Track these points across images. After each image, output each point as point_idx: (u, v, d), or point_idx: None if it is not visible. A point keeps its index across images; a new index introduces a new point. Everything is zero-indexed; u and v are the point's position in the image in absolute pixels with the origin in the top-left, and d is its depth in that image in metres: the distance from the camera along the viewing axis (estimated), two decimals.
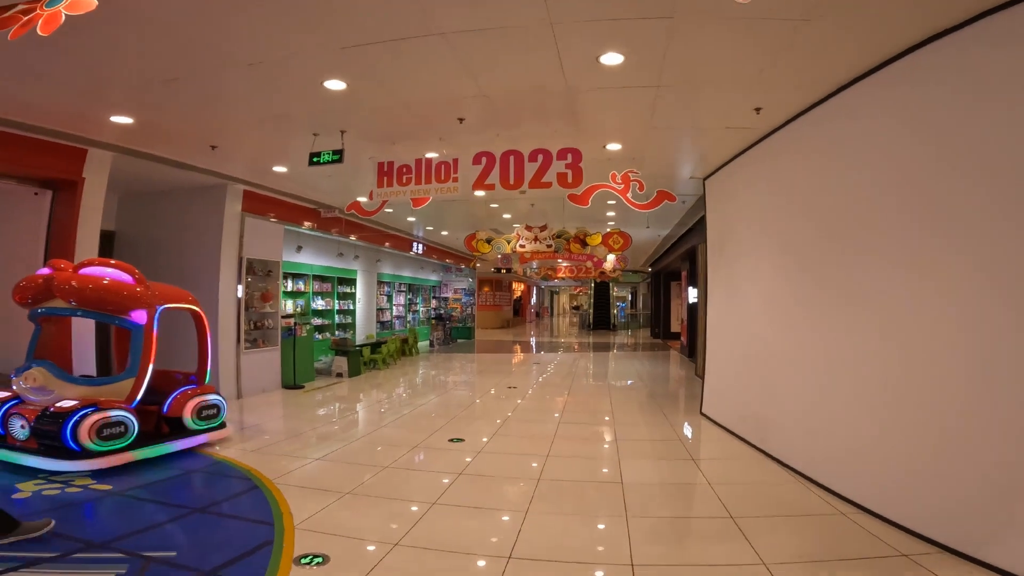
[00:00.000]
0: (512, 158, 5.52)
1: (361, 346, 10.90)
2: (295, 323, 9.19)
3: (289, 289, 11.99)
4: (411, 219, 11.46)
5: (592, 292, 29.75)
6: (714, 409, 6.69)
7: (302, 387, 8.86)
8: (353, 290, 14.21)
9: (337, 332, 13.46)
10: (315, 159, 5.51)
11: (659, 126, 5.41)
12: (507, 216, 10.82)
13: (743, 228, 6.10)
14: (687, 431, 6.27)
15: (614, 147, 6.09)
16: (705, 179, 7.31)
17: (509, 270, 24.43)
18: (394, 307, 17.07)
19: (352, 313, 14.19)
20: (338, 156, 5.41)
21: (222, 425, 5.48)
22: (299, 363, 9.05)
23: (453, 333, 18.66)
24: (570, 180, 5.34)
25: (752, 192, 5.91)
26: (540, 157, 5.46)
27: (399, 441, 5.63)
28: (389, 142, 5.91)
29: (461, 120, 5.18)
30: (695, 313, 13.19)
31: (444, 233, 13.69)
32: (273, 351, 8.53)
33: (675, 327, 20.62)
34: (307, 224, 9.77)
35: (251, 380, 7.96)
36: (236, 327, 7.67)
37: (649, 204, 6.37)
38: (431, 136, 5.70)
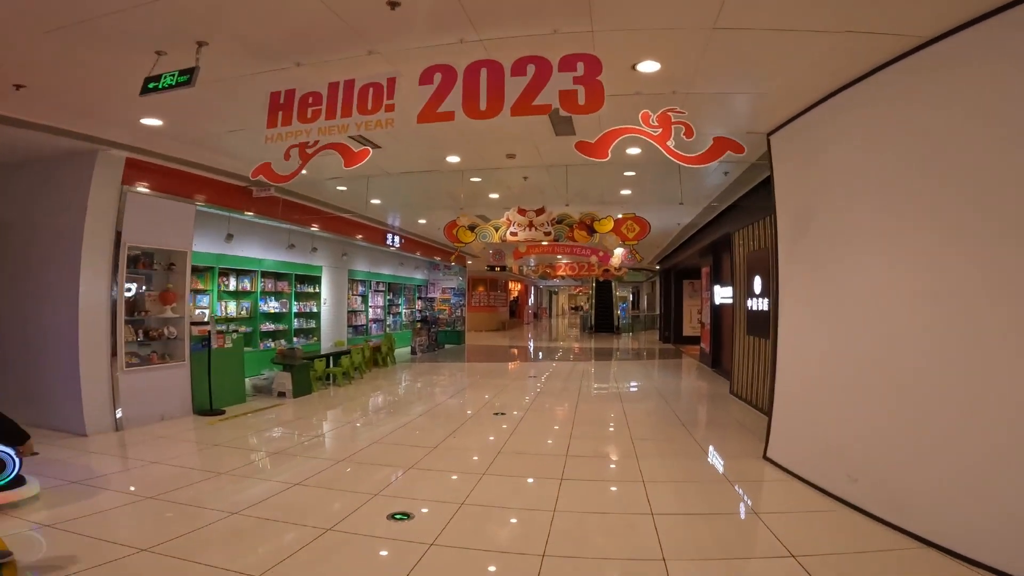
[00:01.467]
0: (485, 71, 3.43)
1: (313, 357, 8.80)
2: (216, 331, 7.08)
3: (232, 288, 9.88)
4: (376, 201, 9.34)
5: (593, 292, 27.64)
6: (792, 456, 4.60)
7: (222, 412, 6.76)
8: (317, 290, 12.10)
9: (297, 340, 11.34)
10: (152, 85, 3.43)
11: (728, 26, 3.33)
12: (494, 196, 8.71)
13: (848, 203, 4.02)
14: (757, 494, 4.17)
15: (648, 67, 3.99)
16: (771, 134, 5.22)
17: (504, 268, 22.36)
18: (371, 309, 14.96)
19: (316, 316, 12.07)
20: (187, 78, 3.36)
21: (11, 484, 3.43)
22: (219, 381, 6.94)
23: (440, 338, 16.56)
24: (582, 101, 3.25)
25: (868, 151, 3.83)
26: (531, 68, 3.37)
27: (307, 514, 3.54)
28: (289, 60, 3.82)
29: (394, 5, 3.09)
30: (721, 316, 11.13)
31: (422, 222, 11.57)
32: (178, 368, 6.42)
33: (688, 331, 18.54)
34: (233, 204, 7.67)
35: (141, 406, 5.86)
36: (110, 337, 5.56)
37: (703, 157, 4.25)
38: (355, 45, 3.60)
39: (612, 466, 4.95)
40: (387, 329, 15.75)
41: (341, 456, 5.14)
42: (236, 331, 7.59)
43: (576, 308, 56.19)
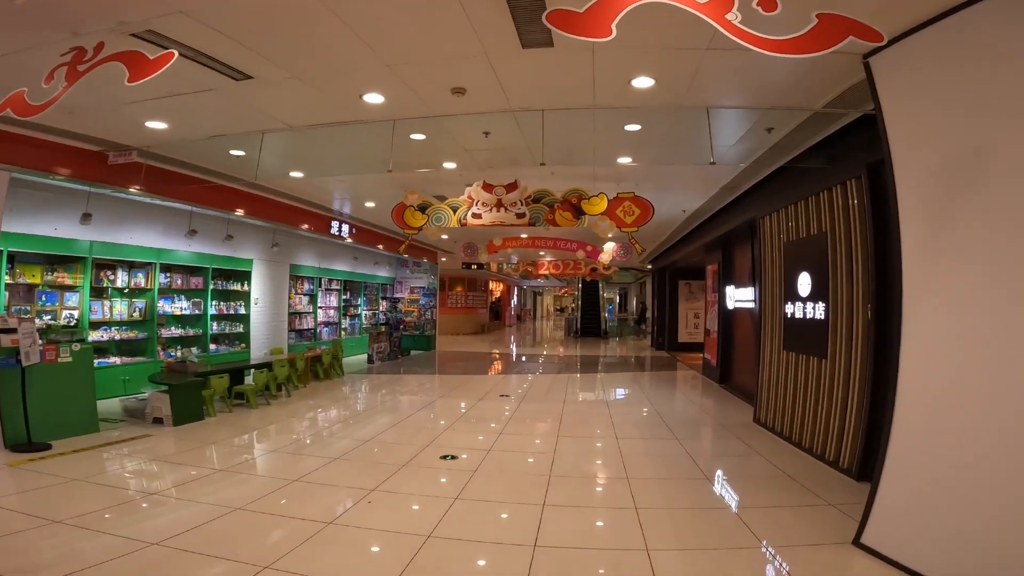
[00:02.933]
0: None
1: (212, 372, 6.71)
2: (43, 341, 4.98)
3: (119, 284, 7.75)
4: (296, 174, 7.25)
5: (579, 293, 25.74)
6: (913, 545, 2.69)
7: (47, 447, 4.69)
8: (247, 287, 9.98)
9: (217, 347, 9.24)
10: None
11: None
12: (449, 166, 6.68)
13: None
14: None
15: None
16: (868, 57, 3.30)
17: (481, 266, 20.34)
18: (321, 311, 12.85)
19: (244, 319, 9.95)
20: None
21: None
22: (47, 407, 4.86)
23: (405, 343, 14.50)
24: None
25: None
26: None
27: None
28: None
29: None
30: (734, 323, 9.22)
31: (370, 205, 9.49)
32: None
33: (684, 337, 16.70)
34: (84, 174, 5.59)
35: None
36: None
37: (805, 42, 2.30)
38: None
39: (613, 554, 2.97)
40: (342, 333, 13.65)
41: (170, 533, 3.09)
42: (80, 341, 5.46)
43: (561, 310, 54.34)
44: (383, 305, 15.74)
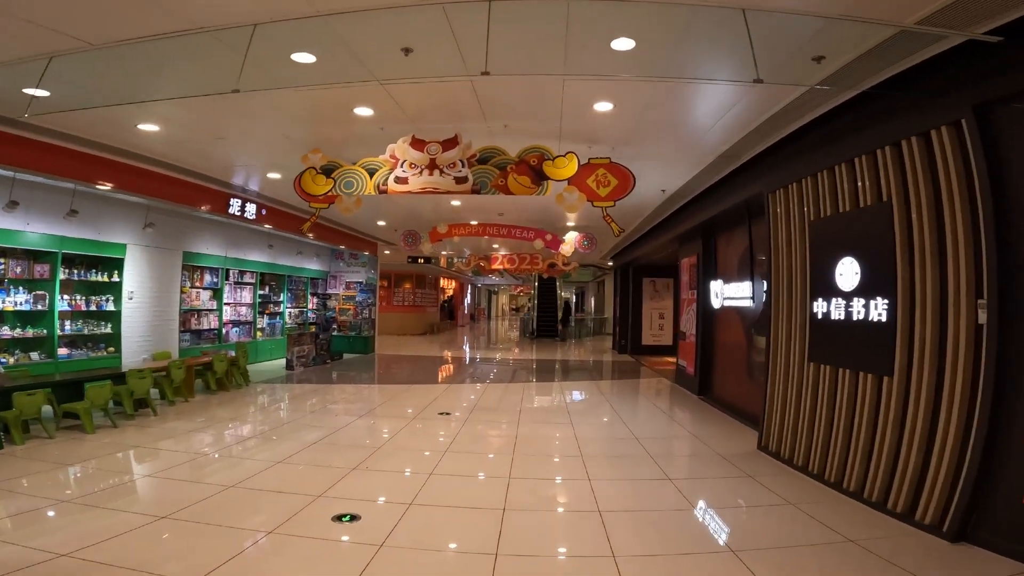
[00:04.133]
0: None
1: (19, 388, 4.70)
2: None
3: None
4: (149, 127, 5.30)
5: (536, 292, 24.26)
6: None
7: None
8: (117, 278, 7.87)
9: (75, 352, 7.16)
10: None
11: None
12: (364, 112, 4.90)
13: None
14: None
15: None
16: None
17: (428, 260, 18.51)
18: (228, 308, 10.75)
19: (114, 318, 7.85)
20: None
21: None
22: None
23: (336, 346, 12.56)
24: None
25: None
26: None
27: None
28: None
29: None
30: (718, 324, 7.81)
31: (274, 176, 7.51)
32: None
33: (649, 339, 15.43)
34: None
35: None
36: None
37: None
38: None
39: None
40: (257, 335, 11.57)
41: None
42: None
43: (517, 309, 52.90)
44: (313, 303, 13.69)
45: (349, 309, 14.20)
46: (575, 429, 6.20)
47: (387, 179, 5.09)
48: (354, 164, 5.24)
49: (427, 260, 18.17)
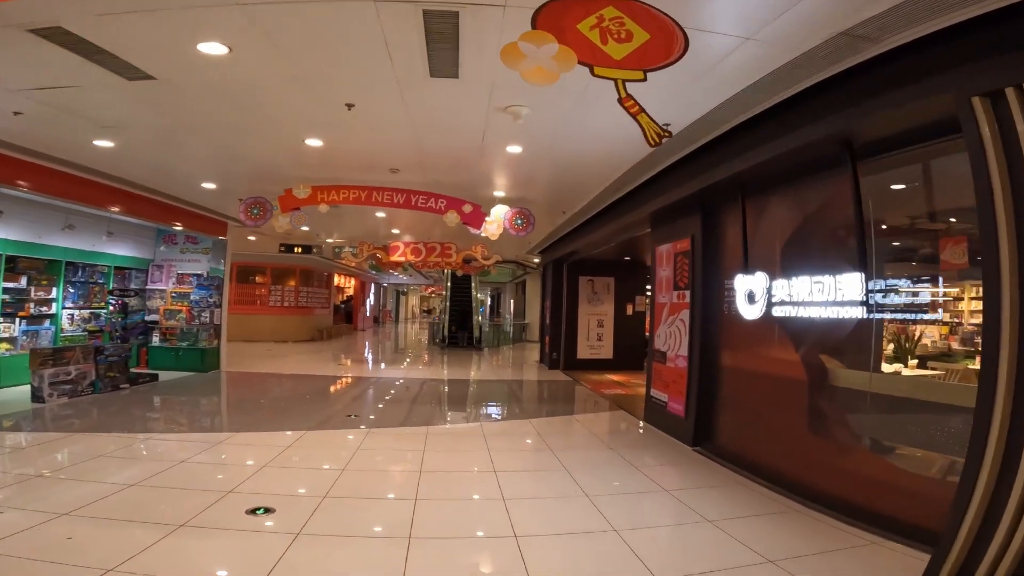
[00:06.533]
0: None
1: None
2: None
3: None
4: None
5: (448, 292, 20.86)
6: None
7: None
8: None
9: None
10: None
11: None
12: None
13: None
14: None
15: None
16: None
17: (309, 249, 14.50)
18: None
19: None
20: None
21: None
22: None
23: (154, 361, 8.47)
24: None
25: None
26: None
27: None
28: None
29: None
30: (732, 339, 4.85)
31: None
32: None
33: (586, 352, 12.56)
34: None
35: None
36: None
37: None
38: None
39: None
40: (25, 344, 7.26)
41: None
42: None
43: (429, 311, 49.01)
44: (117, 304, 9.39)
45: (180, 311, 10.04)
46: (524, 550, 2.96)
47: None
48: None
49: (306, 249, 14.23)
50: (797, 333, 4.12)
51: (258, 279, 18.33)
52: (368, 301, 30.43)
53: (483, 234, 7.20)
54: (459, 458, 5.09)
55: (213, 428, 6.15)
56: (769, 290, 4.16)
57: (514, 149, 5.58)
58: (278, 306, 18.17)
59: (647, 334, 13.77)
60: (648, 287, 14.73)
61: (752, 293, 4.32)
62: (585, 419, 7.14)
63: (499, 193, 7.52)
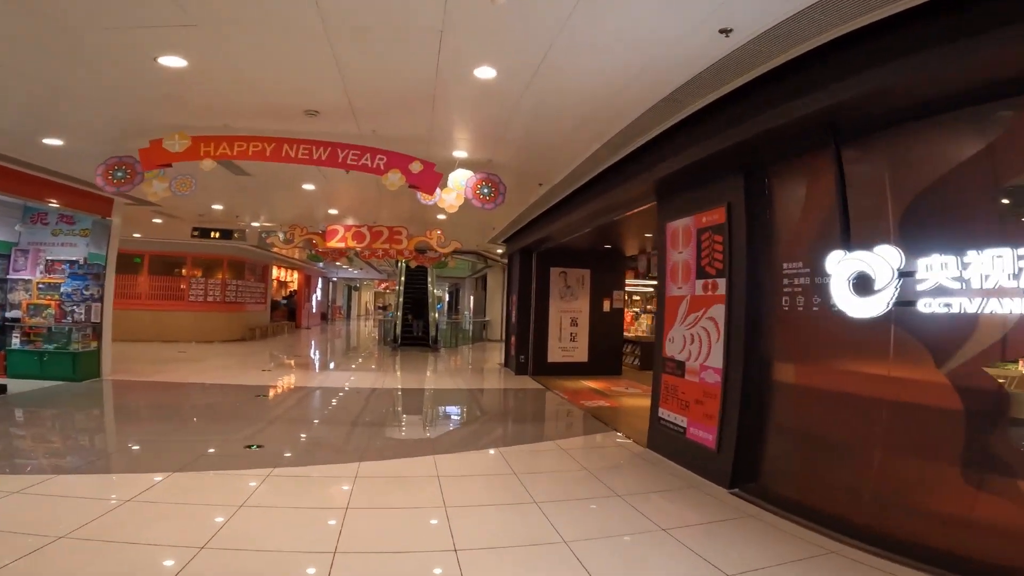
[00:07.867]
0: None
1: None
2: None
3: None
4: None
5: (401, 286, 18.89)
6: None
7: None
8: None
9: None
10: None
11: None
12: None
13: None
14: None
15: None
16: None
17: (229, 234, 12.29)
18: None
19: None
20: None
21: None
22: None
23: (13, 368, 6.30)
24: None
25: None
26: None
27: None
28: None
29: None
30: (819, 345, 2.99)
31: None
32: None
33: (558, 355, 10.95)
34: None
35: None
36: None
37: None
38: None
39: None
40: None
41: None
42: None
43: (384, 307, 46.46)
44: None
45: (49, 306, 7.81)
46: None
47: None
48: None
49: (225, 234, 12.03)
50: (949, 338, 2.59)
51: (182, 272, 15.90)
52: (315, 297, 28.01)
53: (438, 203, 5.42)
54: (400, 524, 3.33)
55: (13, 470, 4.08)
56: (903, 273, 2.59)
57: (485, 73, 3.83)
58: (199, 301, 15.77)
59: (624, 334, 12.40)
60: (630, 280, 13.28)
61: (866, 278, 2.74)
62: (571, 447, 5.48)
63: (460, 154, 5.75)
